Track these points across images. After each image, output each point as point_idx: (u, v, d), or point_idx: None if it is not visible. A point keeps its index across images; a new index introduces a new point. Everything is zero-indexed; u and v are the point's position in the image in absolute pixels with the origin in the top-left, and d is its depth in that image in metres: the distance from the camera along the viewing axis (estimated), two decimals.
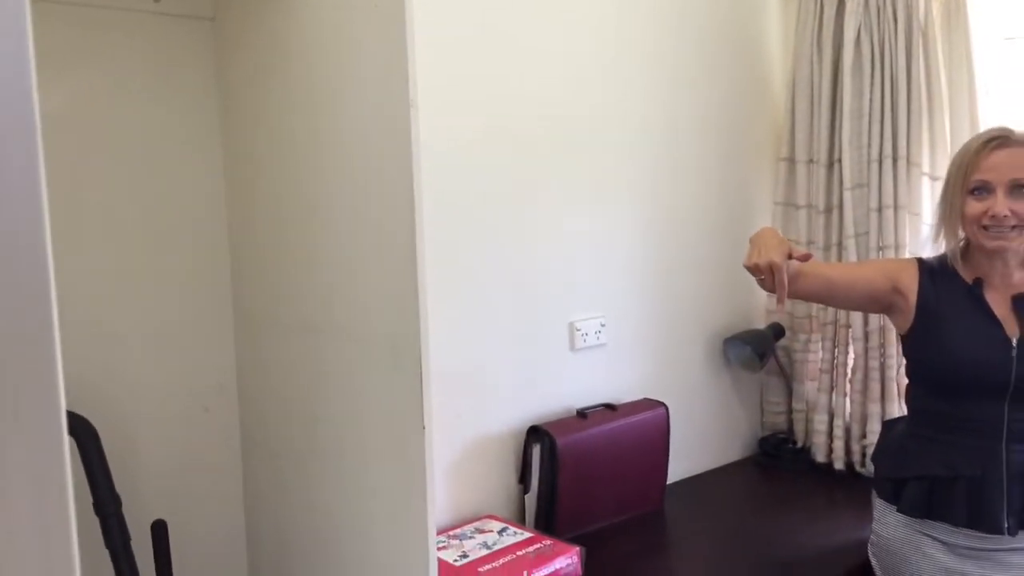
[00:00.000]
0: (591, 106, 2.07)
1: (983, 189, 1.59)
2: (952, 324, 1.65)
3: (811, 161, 2.37)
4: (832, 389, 2.36)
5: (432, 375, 1.13)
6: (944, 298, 1.67)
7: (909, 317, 1.71)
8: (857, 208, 2.26)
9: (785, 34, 2.52)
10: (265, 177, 1.47)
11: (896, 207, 2.18)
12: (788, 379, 2.48)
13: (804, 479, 2.33)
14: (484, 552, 1.68)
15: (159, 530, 1.37)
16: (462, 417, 1.88)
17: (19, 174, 0.43)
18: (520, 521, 1.95)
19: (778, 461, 2.44)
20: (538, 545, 1.72)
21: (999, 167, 1.58)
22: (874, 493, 1.80)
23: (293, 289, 1.40)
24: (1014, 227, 1.57)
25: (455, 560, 1.64)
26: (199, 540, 1.61)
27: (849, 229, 2.26)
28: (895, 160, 2.18)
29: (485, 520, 1.86)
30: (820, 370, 2.38)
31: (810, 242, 2.38)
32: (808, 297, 1.83)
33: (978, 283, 1.65)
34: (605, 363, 2.15)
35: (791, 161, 2.42)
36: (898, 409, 2.18)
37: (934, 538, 1.66)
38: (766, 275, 1.59)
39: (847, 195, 2.27)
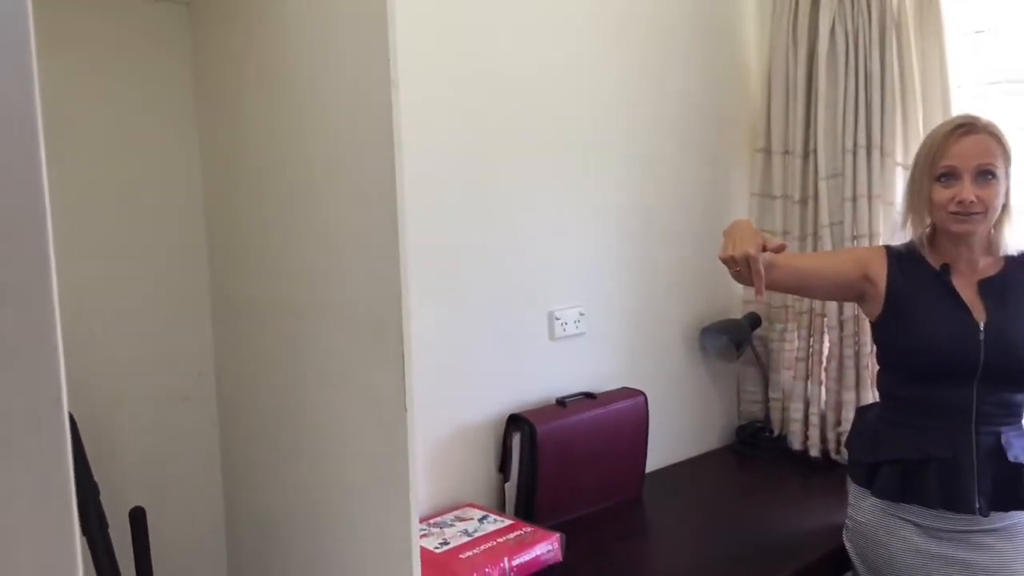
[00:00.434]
0: (567, 97, 2.07)
1: (950, 175, 1.62)
2: (921, 309, 1.68)
3: (787, 152, 2.40)
4: (808, 377, 2.39)
5: (413, 362, 1.13)
6: (912, 284, 1.70)
7: (879, 304, 1.74)
8: (832, 198, 2.29)
9: (761, 26, 2.54)
10: (243, 159, 1.46)
11: (871, 196, 2.21)
12: (764, 368, 2.50)
13: (780, 467, 2.36)
14: (465, 539, 1.68)
15: (137, 517, 1.36)
16: (442, 406, 1.88)
17: (21, 166, 0.43)
18: (500, 509, 1.95)
19: (755, 450, 2.46)
20: (518, 532, 1.72)
21: (966, 154, 1.61)
22: (848, 479, 1.83)
23: (273, 271, 1.39)
24: (980, 213, 1.61)
25: (436, 548, 1.64)
26: (178, 527, 1.60)
27: (824, 219, 2.29)
28: (869, 150, 2.21)
29: (465, 508, 1.86)
30: (796, 359, 2.41)
31: (786, 232, 2.40)
32: (781, 288, 1.86)
33: (945, 269, 1.68)
34: (584, 352, 2.16)
35: (767, 152, 2.44)
36: (872, 396, 2.21)
37: (908, 521, 1.68)
38: (741, 267, 1.60)
39: (822, 185, 2.29)
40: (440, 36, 1.82)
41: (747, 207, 2.50)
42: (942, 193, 1.63)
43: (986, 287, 1.67)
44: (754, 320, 2.44)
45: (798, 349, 2.41)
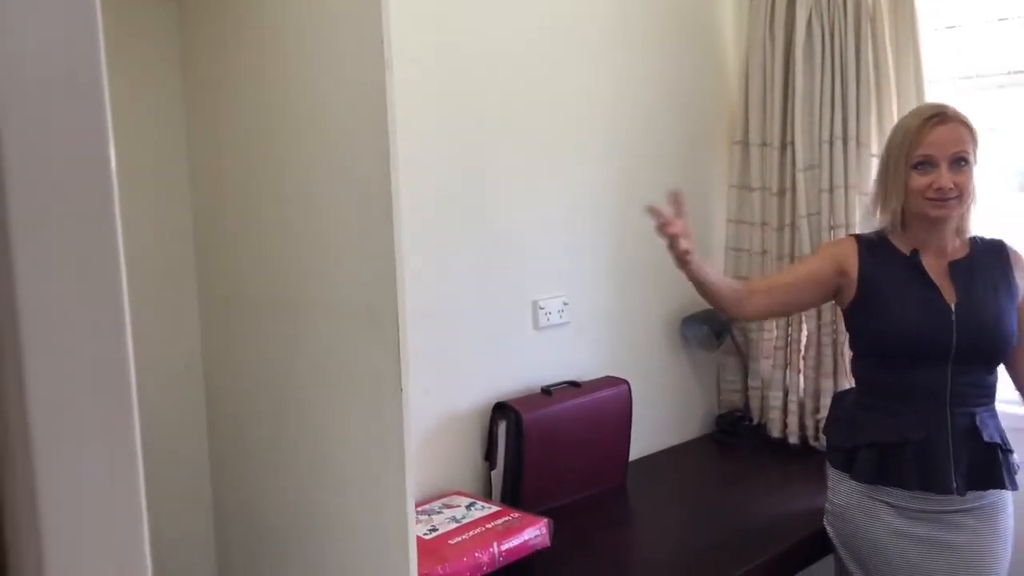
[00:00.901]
0: (547, 91, 2.09)
1: (927, 163, 1.67)
2: (892, 293, 1.72)
3: (764, 144, 2.43)
4: (787, 366, 2.43)
5: (409, 346, 1.13)
6: (883, 269, 1.75)
7: (852, 290, 1.78)
8: (809, 189, 2.33)
9: (738, 21, 2.57)
10: (234, 152, 1.46)
11: (847, 187, 2.25)
12: (744, 358, 2.54)
13: (760, 454, 2.39)
14: (453, 526, 1.69)
15: None
16: (429, 395, 1.89)
17: (92, 171, 0.43)
18: (487, 497, 1.96)
19: (735, 438, 2.49)
20: (506, 518, 1.73)
21: (942, 142, 1.66)
22: (827, 463, 1.87)
23: (265, 260, 1.39)
24: (956, 198, 1.66)
25: (425, 534, 1.65)
26: (165, 519, 1.58)
27: (802, 209, 2.33)
28: (845, 142, 2.25)
29: (452, 496, 1.87)
30: (775, 347, 2.44)
31: (764, 223, 2.44)
32: (774, 310, 1.99)
33: (915, 253, 1.73)
34: (568, 341, 2.18)
35: (745, 144, 2.47)
36: (849, 383, 2.25)
37: (886, 503, 1.72)
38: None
39: (800, 176, 2.33)
40: (422, 29, 1.82)
41: (725, 199, 2.53)
42: (919, 180, 1.67)
43: (956, 270, 1.71)
44: None
45: (777, 338, 2.44)
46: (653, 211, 1.67)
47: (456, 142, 1.90)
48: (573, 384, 2.09)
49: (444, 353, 1.91)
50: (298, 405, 1.35)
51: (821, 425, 2.30)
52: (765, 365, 2.48)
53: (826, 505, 1.85)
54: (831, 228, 2.29)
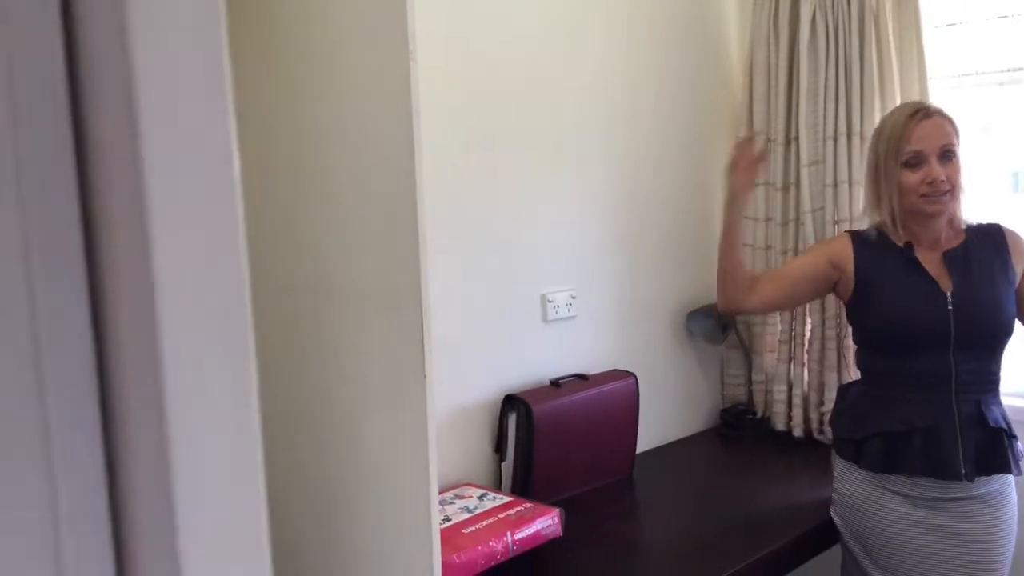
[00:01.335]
0: (555, 86, 2.11)
1: (917, 159, 1.70)
2: (888, 285, 1.75)
3: (769, 139, 2.45)
4: (790, 360, 2.45)
5: (432, 333, 1.15)
6: (879, 262, 1.78)
7: (850, 285, 1.81)
8: (814, 184, 2.35)
9: (742, 17, 2.59)
10: (252, 133, 1.46)
11: (851, 182, 2.27)
12: (748, 351, 2.56)
13: (765, 447, 2.41)
14: (466, 515, 1.70)
15: None
16: (438, 387, 1.89)
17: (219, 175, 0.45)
18: (496, 489, 1.97)
19: (739, 431, 2.51)
20: (518, 508, 1.74)
21: (929, 137, 1.69)
22: (834, 454, 1.89)
23: (288, 246, 1.39)
24: (948, 191, 1.69)
25: (439, 524, 1.66)
26: None
27: (806, 205, 2.35)
28: (849, 137, 2.27)
29: (464, 487, 1.88)
30: (779, 341, 2.46)
31: (768, 218, 2.46)
32: (774, 303, 2.02)
33: (909, 245, 1.76)
34: (575, 335, 2.19)
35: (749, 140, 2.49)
36: (853, 375, 2.27)
37: (894, 492, 1.74)
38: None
39: (804, 172, 2.35)
40: (432, 25, 1.83)
41: None
42: (911, 177, 1.70)
43: (950, 259, 1.74)
44: None
45: (781, 332, 2.46)
46: (744, 143, 1.85)
47: (465, 137, 1.91)
48: (581, 377, 2.11)
49: (455, 346, 1.92)
50: (319, 391, 1.36)
51: (825, 418, 2.32)
52: (769, 359, 2.50)
53: (833, 495, 1.87)
54: (835, 223, 2.31)
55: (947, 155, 1.69)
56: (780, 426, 2.46)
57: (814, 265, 1.88)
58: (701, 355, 2.57)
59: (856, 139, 2.26)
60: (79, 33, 0.42)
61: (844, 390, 1.98)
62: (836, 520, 1.85)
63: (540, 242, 2.10)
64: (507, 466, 1.96)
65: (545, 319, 2.11)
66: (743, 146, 1.87)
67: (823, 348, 2.35)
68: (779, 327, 2.47)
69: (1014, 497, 1.75)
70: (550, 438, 1.95)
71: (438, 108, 1.85)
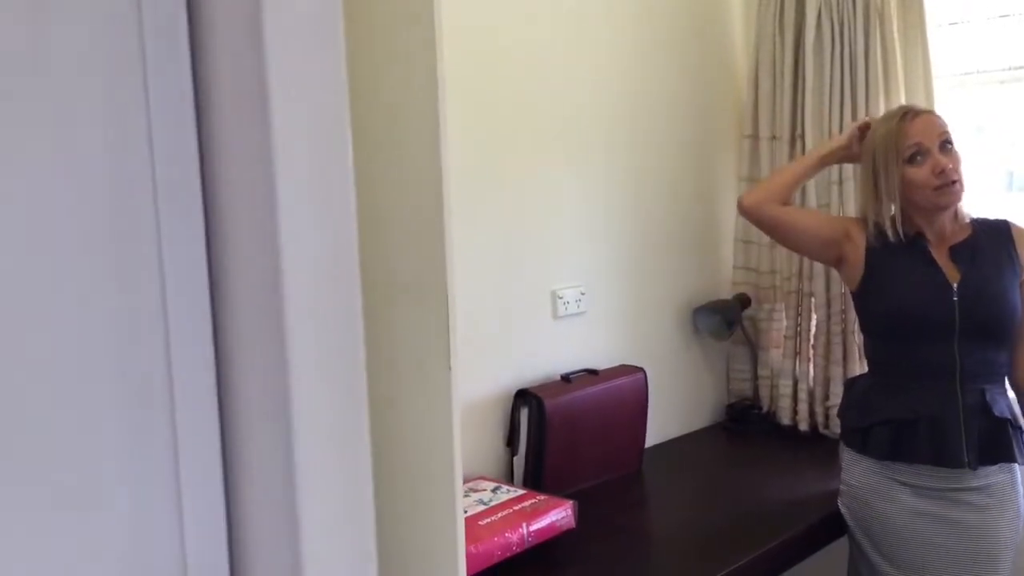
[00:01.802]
0: (562, 84, 2.13)
1: (919, 153, 1.73)
2: (896, 274, 1.79)
3: (774, 138, 2.48)
4: (796, 355, 2.48)
5: (457, 324, 1.17)
6: (888, 251, 1.81)
7: (858, 269, 1.84)
8: (819, 181, 2.37)
9: (747, 16, 2.62)
10: None
11: (856, 179, 2.29)
12: (754, 347, 2.59)
13: (771, 442, 2.44)
14: (481, 508, 1.73)
15: None
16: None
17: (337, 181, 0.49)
18: (509, 482, 2.00)
19: (745, 426, 2.54)
20: (532, 500, 1.77)
21: (926, 130, 1.73)
22: (842, 446, 1.91)
23: None
24: (957, 180, 1.72)
25: (463, 515, 1.69)
26: None
27: (812, 202, 2.38)
28: None
29: (477, 481, 1.91)
30: (784, 337, 2.49)
31: None
32: (776, 221, 1.99)
33: (920, 235, 1.79)
34: (585, 330, 2.22)
35: (755, 138, 2.52)
36: (859, 369, 2.30)
37: (900, 482, 1.77)
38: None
39: None
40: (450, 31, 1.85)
41: (736, 192, 2.58)
42: (918, 172, 1.73)
43: (957, 251, 1.77)
44: (744, 300, 2.52)
45: (786, 328, 2.49)
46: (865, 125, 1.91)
47: (476, 135, 1.94)
48: (591, 372, 2.13)
49: (467, 341, 1.95)
50: None
51: (831, 412, 2.35)
52: (775, 354, 2.53)
53: (840, 486, 1.90)
54: None
55: (946, 145, 1.73)
56: (786, 421, 2.49)
57: (830, 226, 1.94)
58: (707, 351, 2.60)
59: None
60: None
61: (851, 383, 2.01)
62: (843, 511, 1.88)
63: (550, 240, 2.12)
64: (519, 460, 1.99)
65: (555, 315, 2.14)
66: (864, 127, 1.91)
67: (828, 343, 2.37)
68: (784, 323, 2.50)
69: (1020, 488, 1.78)
70: (562, 432, 1.98)
71: (449, 106, 1.87)
